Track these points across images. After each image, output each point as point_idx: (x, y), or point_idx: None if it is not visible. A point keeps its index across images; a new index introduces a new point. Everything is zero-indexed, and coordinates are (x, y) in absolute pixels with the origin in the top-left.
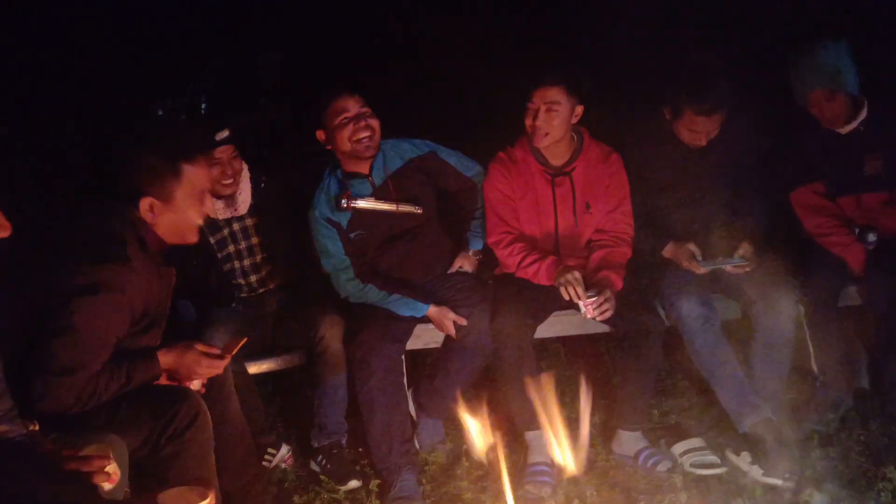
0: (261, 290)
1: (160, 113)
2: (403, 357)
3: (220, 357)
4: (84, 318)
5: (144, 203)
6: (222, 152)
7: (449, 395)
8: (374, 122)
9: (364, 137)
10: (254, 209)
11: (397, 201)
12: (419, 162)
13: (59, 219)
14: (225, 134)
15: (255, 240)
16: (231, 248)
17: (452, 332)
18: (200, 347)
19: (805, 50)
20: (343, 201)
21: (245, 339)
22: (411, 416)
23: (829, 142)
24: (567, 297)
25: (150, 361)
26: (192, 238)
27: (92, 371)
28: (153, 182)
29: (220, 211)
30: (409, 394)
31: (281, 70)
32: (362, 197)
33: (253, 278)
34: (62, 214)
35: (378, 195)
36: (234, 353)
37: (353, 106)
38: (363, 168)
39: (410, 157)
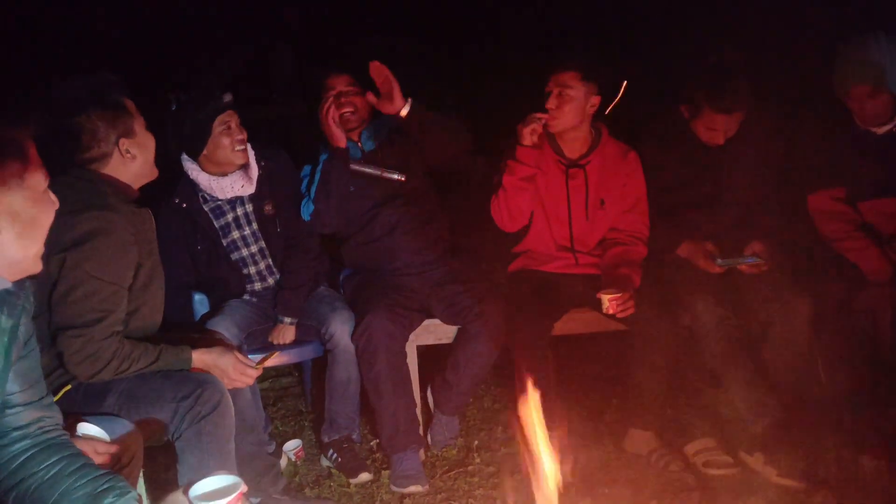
0: (271, 280)
1: (174, 107)
2: (414, 347)
3: (254, 368)
4: (90, 266)
5: (122, 147)
6: (230, 117)
7: (460, 389)
8: (358, 100)
9: (345, 112)
10: (259, 190)
11: (383, 167)
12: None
13: None
14: (230, 97)
15: (256, 225)
16: (236, 233)
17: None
18: (238, 356)
19: (855, 42)
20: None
21: (276, 353)
22: (427, 409)
23: (861, 142)
24: (533, 138)
25: (181, 348)
26: (155, 170)
27: (118, 317)
28: (117, 126)
29: (227, 189)
30: (428, 392)
31: (292, 65)
32: (352, 159)
33: (262, 265)
34: None
35: (366, 159)
36: (265, 364)
37: (338, 84)
38: (353, 136)
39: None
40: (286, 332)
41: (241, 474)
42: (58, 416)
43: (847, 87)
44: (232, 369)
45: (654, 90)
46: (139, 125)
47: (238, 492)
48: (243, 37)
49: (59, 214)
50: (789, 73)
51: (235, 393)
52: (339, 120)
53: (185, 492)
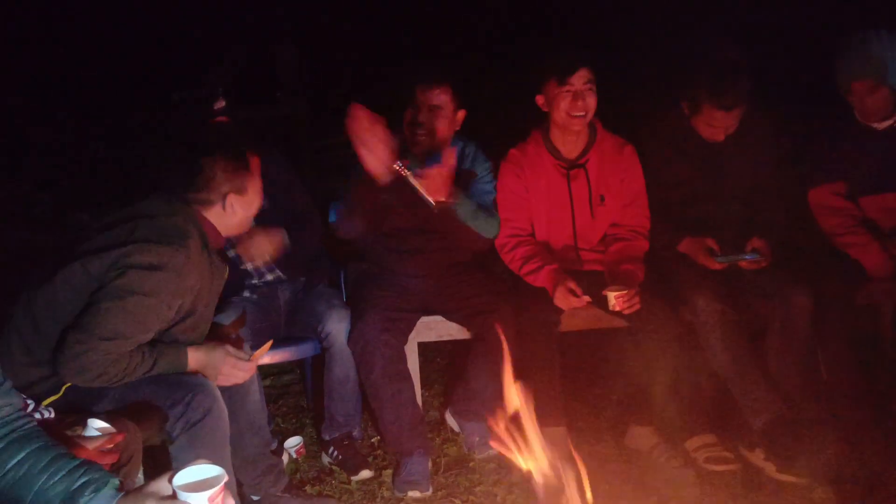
0: (269, 277)
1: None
2: (415, 345)
3: (248, 361)
4: (137, 292)
5: (228, 201)
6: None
7: (485, 396)
8: (438, 124)
9: (418, 133)
10: None
11: (426, 188)
12: (466, 175)
13: (126, 210)
14: (222, 104)
15: None
16: None
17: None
18: (230, 349)
19: (856, 38)
20: (399, 163)
21: (271, 343)
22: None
23: (861, 138)
24: (569, 308)
25: (178, 352)
26: (247, 226)
27: (127, 346)
28: (233, 180)
29: None
30: (447, 414)
31: (297, 64)
32: (413, 172)
33: (259, 262)
34: (130, 206)
35: (417, 174)
36: (259, 357)
37: (424, 101)
38: (420, 155)
39: (462, 167)
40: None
41: (244, 474)
42: (18, 402)
43: (848, 83)
44: (223, 365)
45: (654, 87)
46: (253, 185)
47: (221, 484)
48: (247, 36)
49: (139, 239)
50: (790, 68)
51: (245, 395)
52: (411, 139)
53: (170, 480)
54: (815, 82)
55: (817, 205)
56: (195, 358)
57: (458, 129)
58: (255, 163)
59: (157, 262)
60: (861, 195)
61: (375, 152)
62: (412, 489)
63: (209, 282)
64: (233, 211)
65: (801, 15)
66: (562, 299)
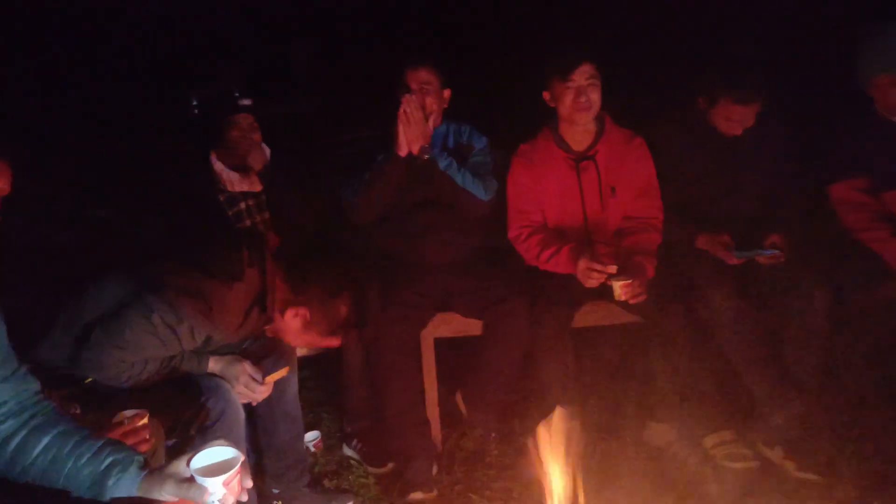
0: None
1: (194, 103)
2: (432, 340)
3: (261, 383)
4: (163, 311)
5: (289, 313)
6: (243, 119)
7: (496, 386)
8: (427, 98)
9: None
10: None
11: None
12: (464, 147)
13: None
14: (248, 101)
15: (267, 214)
16: (248, 222)
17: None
18: (248, 368)
19: (877, 30)
20: (424, 147)
21: (287, 368)
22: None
23: (883, 132)
24: (596, 285)
25: (199, 361)
26: (294, 341)
27: (138, 356)
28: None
29: (235, 183)
30: (458, 397)
31: (310, 61)
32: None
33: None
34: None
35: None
36: (273, 380)
37: (412, 80)
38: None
39: (460, 142)
40: None
41: (271, 462)
42: (35, 385)
43: (870, 76)
44: (238, 382)
45: (671, 82)
46: (315, 331)
47: (236, 467)
48: (262, 33)
49: (193, 262)
50: (809, 62)
51: (287, 384)
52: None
53: (188, 462)
54: (834, 76)
55: (838, 200)
56: (213, 369)
57: (445, 106)
58: (343, 302)
59: (193, 289)
60: (883, 190)
61: (415, 125)
62: (415, 491)
63: (246, 328)
64: (290, 319)
65: (820, 7)
66: (584, 275)
